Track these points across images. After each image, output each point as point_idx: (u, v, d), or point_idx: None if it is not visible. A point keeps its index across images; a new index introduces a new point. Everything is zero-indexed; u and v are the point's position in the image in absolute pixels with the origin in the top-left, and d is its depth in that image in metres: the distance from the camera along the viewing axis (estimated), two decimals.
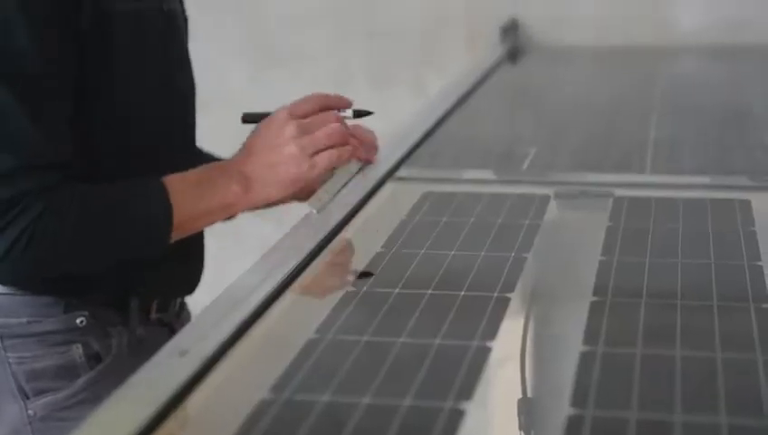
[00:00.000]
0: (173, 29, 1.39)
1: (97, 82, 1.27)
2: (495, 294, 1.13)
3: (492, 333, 1.04)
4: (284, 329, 1.08)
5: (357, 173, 1.46)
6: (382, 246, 1.28)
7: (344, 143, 1.35)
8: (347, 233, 1.34)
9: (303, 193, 1.43)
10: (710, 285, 1.15)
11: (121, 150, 1.32)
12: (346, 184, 1.43)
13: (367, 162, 1.48)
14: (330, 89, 1.50)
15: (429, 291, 1.15)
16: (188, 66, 1.44)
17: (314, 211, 1.36)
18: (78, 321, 1.34)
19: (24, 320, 1.32)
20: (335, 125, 1.35)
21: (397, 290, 1.15)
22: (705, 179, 1.55)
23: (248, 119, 1.41)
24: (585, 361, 0.97)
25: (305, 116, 1.35)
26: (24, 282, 1.31)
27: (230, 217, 1.41)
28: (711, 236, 1.30)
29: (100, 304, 1.36)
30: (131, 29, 1.28)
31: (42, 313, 1.32)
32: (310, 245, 1.26)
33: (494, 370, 0.98)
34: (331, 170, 1.39)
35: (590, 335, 1.02)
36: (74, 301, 1.34)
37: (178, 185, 1.29)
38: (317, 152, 1.33)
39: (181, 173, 1.32)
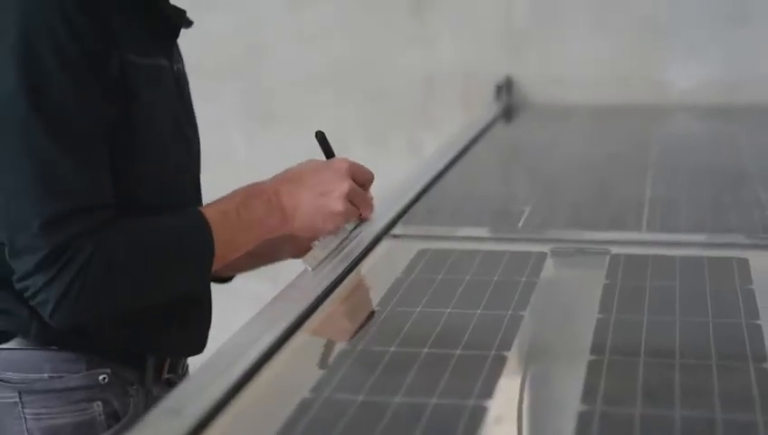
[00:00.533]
0: (181, 86, 1.45)
1: (120, 130, 1.31)
2: (492, 353, 1.12)
3: (488, 392, 1.02)
4: (279, 387, 1.07)
5: (352, 231, 1.47)
6: (378, 304, 1.28)
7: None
8: (342, 291, 1.33)
9: (299, 250, 1.46)
10: (708, 343, 1.15)
11: (135, 198, 1.33)
12: (342, 243, 1.44)
13: (362, 220, 1.49)
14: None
15: (425, 349, 1.14)
16: (195, 121, 1.49)
17: (309, 269, 1.36)
18: (101, 378, 1.34)
19: (46, 375, 1.32)
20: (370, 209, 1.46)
21: (392, 348, 1.14)
22: (702, 237, 1.55)
23: (321, 139, 1.47)
24: (583, 420, 0.96)
25: (360, 183, 1.42)
26: (81, 323, 1.29)
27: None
28: (708, 295, 1.29)
29: (120, 361, 1.36)
30: (149, 82, 1.34)
31: (64, 368, 1.32)
32: (305, 303, 1.25)
33: (491, 429, 0.96)
34: None
35: (588, 394, 1.01)
36: (96, 358, 1.34)
37: (218, 217, 1.32)
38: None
39: (217, 203, 1.35)
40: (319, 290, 1.29)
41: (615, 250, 1.47)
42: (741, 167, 2.04)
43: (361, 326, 1.21)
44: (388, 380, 1.06)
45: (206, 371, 1.06)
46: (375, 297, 1.30)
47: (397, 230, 1.58)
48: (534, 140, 2.56)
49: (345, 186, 1.38)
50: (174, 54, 1.44)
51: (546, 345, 1.19)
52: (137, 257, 1.26)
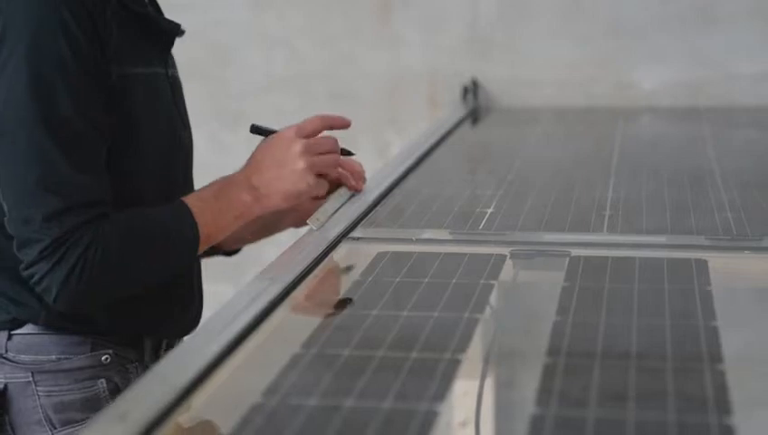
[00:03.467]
0: (176, 92, 1.60)
1: (119, 135, 1.45)
2: (448, 356, 1.11)
3: (442, 395, 1.01)
4: (230, 392, 1.06)
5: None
6: (334, 307, 1.26)
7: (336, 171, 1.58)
8: (299, 294, 1.31)
9: (301, 219, 1.65)
10: (665, 345, 1.14)
11: (136, 195, 1.48)
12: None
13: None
14: None
15: (381, 352, 1.12)
16: (189, 124, 1.63)
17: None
18: (103, 358, 1.49)
19: (54, 357, 1.47)
20: (336, 155, 1.55)
21: (347, 352, 1.13)
22: (662, 239, 1.55)
23: (255, 131, 1.57)
24: (536, 423, 0.95)
25: (311, 136, 1.53)
26: (82, 308, 1.44)
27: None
28: (667, 296, 1.29)
29: (120, 343, 1.51)
30: (146, 89, 1.49)
31: (71, 350, 1.48)
32: (261, 304, 1.24)
33: (445, 432, 0.95)
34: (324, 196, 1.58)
35: (543, 397, 1.00)
36: (99, 340, 1.49)
37: (198, 203, 1.47)
38: (320, 174, 1.52)
39: (196, 192, 1.51)
40: (275, 293, 1.28)
41: (575, 252, 1.46)
42: (704, 168, 2.04)
43: (317, 329, 1.20)
44: (342, 383, 1.05)
45: (155, 374, 1.04)
46: (331, 300, 1.29)
47: (356, 233, 1.57)
48: (500, 142, 2.55)
49: (297, 145, 1.50)
50: (168, 61, 1.59)
51: (502, 348, 1.18)
52: (130, 245, 1.41)
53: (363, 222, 1.63)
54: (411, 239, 1.56)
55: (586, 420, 0.96)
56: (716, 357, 1.10)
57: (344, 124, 1.59)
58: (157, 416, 0.95)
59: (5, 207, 1.40)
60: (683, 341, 1.15)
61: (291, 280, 1.33)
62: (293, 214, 1.68)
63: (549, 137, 2.55)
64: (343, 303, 1.28)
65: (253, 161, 1.52)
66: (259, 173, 1.50)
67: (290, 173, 1.49)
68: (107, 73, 1.42)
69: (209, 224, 1.47)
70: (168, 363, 1.06)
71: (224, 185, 1.51)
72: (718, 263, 1.42)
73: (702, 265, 1.40)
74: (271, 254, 1.50)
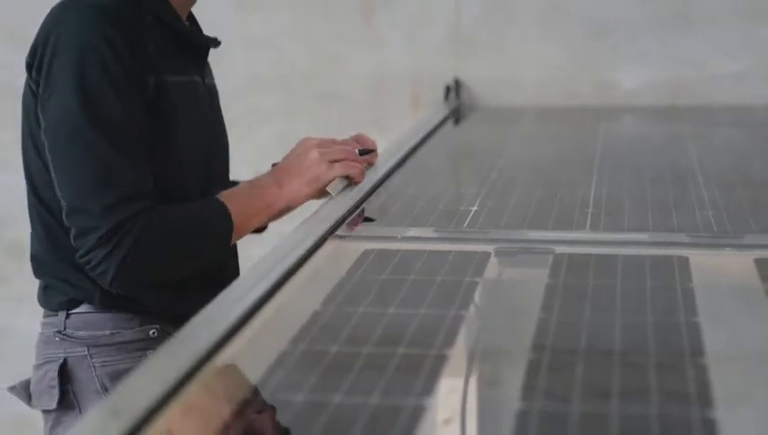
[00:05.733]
0: (213, 99, 1.76)
1: (159, 137, 1.60)
2: (434, 352, 1.12)
3: (429, 390, 1.03)
4: (219, 389, 1.07)
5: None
6: (321, 305, 1.27)
7: (355, 160, 1.76)
8: (286, 291, 1.32)
9: (318, 194, 1.76)
10: (647, 341, 1.16)
11: (177, 195, 1.62)
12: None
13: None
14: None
15: (367, 349, 1.14)
16: (225, 132, 1.80)
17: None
18: (150, 332, 1.65)
19: (108, 332, 1.64)
20: (349, 147, 1.78)
21: (334, 348, 1.14)
22: (644, 236, 1.56)
23: None
24: (522, 418, 0.96)
25: (328, 146, 1.74)
26: (134, 289, 1.61)
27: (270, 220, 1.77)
28: (649, 293, 1.30)
29: (165, 319, 1.66)
30: (183, 96, 1.64)
31: (122, 326, 1.64)
32: (248, 302, 1.24)
33: (430, 428, 0.97)
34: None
35: (528, 393, 1.02)
36: (147, 317, 1.65)
37: (231, 198, 1.65)
38: (334, 161, 1.71)
39: (228, 190, 1.68)
40: (262, 290, 1.29)
41: (559, 250, 1.48)
42: (685, 167, 2.06)
43: (303, 326, 1.21)
44: (329, 380, 1.06)
45: (146, 369, 1.05)
46: (318, 298, 1.30)
47: (341, 231, 1.58)
48: (483, 141, 2.57)
49: (311, 141, 1.72)
50: (205, 70, 1.75)
51: (487, 344, 1.20)
52: (173, 234, 1.57)
53: (348, 220, 1.64)
54: (396, 237, 1.57)
55: (570, 416, 0.97)
56: (698, 353, 1.12)
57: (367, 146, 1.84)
58: (148, 411, 0.95)
59: (63, 203, 1.55)
60: (665, 337, 1.16)
61: (277, 278, 1.33)
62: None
63: (531, 136, 2.57)
64: (329, 300, 1.29)
65: (278, 165, 1.74)
66: (283, 170, 1.70)
67: (306, 164, 1.69)
68: (145, 82, 1.58)
69: (241, 215, 1.64)
70: (159, 359, 1.07)
71: (253, 182, 1.71)
72: (699, 260, 1.44)
73: (683, 262, 1.42)
74: (256, 252, 1.51)
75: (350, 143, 1.81)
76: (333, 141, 1.78)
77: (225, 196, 1.66)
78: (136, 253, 1.53)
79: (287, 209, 1.74)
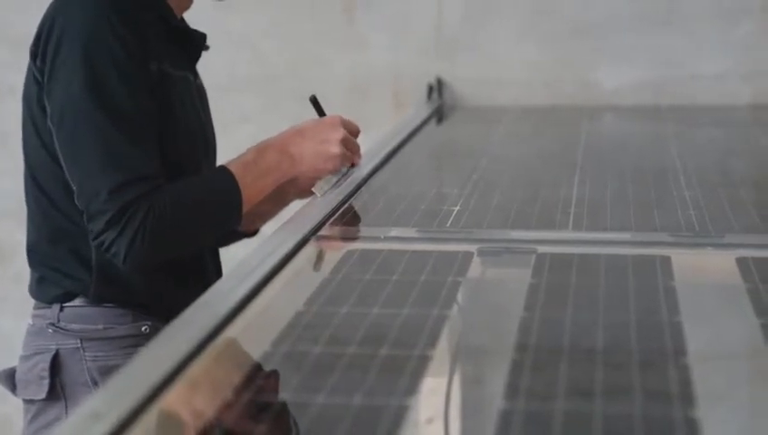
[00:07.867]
0: (202, 98, 1.80)
1: (160, 120, 1.62)
2: (417, 352, 1.12)
3: (411, 391, 1.03)
4: (200, 389, 1.06)
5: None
6: (303, 305, 1.27)
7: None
8: (268, 292, 1.32)
9: (303, 192, 1.82)
10: (630, 340, 1.16)
11: (174, 176, 1.62)
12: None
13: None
14: None
15: (350, 349, 1.14)
16: (214, 131, 1.82)
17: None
18: (143, 328, 1.66)
19: (101, 326, 1.65)
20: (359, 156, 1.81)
21: (317, 349, 1.14)
22: (627, 236, 1.57)
23: (314, 102, 1.83)
24: (505, 418, 0.96)
25: (352, 133, 1.76)
26: (147, 267, 1.61)
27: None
28: (632, 292, 1.31)
29: (157, 315, 1.66)
30: (180, 88, 1.68)
31: (116, 321, 1.66)
32: (231, 302, 1.24)
33: (413, 428, 0.97)
34: None
35: (511, 392, 1.02)
36: (140, 313, 1.67)
37: (240, 168, 1.66)
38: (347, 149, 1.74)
39: (237, 158, 1.68)
40: (244, 291, 1.28)
41: (541, 249, 1.48)
42: (667, 166, 2.07)
43: (286, 327, 1.20)
44: (312, 380, 1.06)
45: (128, 372, 1.05)
46: (301, 298, 1.30)
47: (324, 231, 1.58)
48: (465, 140, 2.57)
49: (340, 133, 1.72)
50: (196, 71, 1.78)
51: (470, 344, 1.20)
52: (182, 210, 1.59)
53: (331, 221, 1.64)
54: (379, 238, 1.57)
55: (553, 415, 0.97)
56: (680, 352, 1.12)
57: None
58: (130, 414, 0.95)
59: (74, 187, 1.58)
60: (648, 336, 1.17)
61: (259, 279, 1.33)
62: (295, 188, 1.83)
63: (514, 136, 2.57)
64: (312, 301, 1.29)
65: (296, 130, 1.73)
66: (298, 143, 1.70)
67: (326, 152, 1.71)
68: (148, 68, 1.61)
69: (250, 186, 1.65)
70: (140, 362, 1.07)
71: (262, 149, 1.70)
72: (681, 259, 1.44)
73: (666, 261, 1.42)
74: (239, 253, 1.51)
75: (359, 144, 1.80)
76: (351, 137, 1.76)
77: (235, 170, 1.66)
78: (144, 233, 1.55)
79: (294, 180, 1.74)
